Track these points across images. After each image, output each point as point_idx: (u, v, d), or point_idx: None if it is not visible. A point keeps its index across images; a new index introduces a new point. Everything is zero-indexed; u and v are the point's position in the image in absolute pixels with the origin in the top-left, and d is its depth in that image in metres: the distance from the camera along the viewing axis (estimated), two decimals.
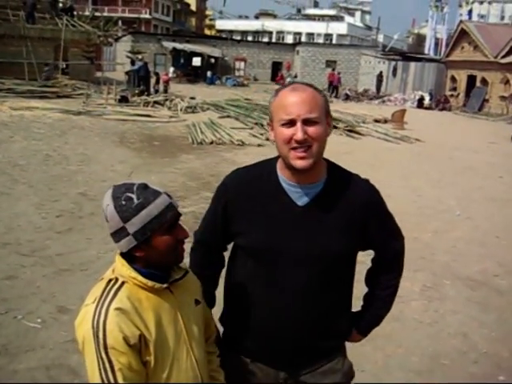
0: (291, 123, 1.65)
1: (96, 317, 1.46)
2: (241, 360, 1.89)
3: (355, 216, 1.78)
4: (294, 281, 1.76)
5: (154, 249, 1.53)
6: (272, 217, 1.77)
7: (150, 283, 1.53)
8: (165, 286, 1.56)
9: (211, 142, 13.15)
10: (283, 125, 1.67)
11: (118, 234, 1.52)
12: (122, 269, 1.55)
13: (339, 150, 11.34)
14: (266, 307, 1.80)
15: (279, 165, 1.79)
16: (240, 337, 1.90)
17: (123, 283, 1.53)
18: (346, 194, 1.79)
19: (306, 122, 1.65)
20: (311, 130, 1.65)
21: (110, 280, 1.55)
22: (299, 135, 1.63)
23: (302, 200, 1.75)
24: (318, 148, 1.68)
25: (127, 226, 1.49)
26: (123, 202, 1.49)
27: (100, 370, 1.44)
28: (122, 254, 1.57)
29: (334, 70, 37.66)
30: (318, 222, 1.76)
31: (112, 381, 1.44)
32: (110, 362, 1.44)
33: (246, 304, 1.86)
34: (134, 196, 1.49)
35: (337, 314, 1.88)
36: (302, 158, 1.66)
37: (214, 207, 1.91)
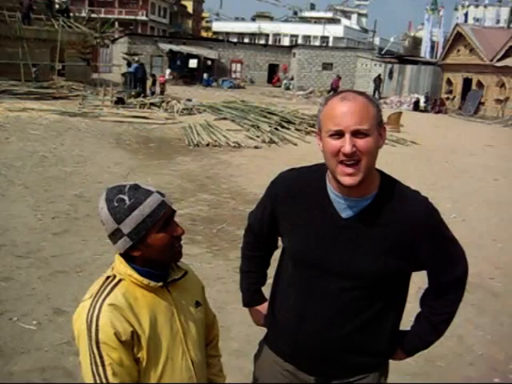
0: (339, 134, 1.57)
1: (90, 312, 1.49)
2: (275, 358, 1.89)
3: (404, 236, 1.66)
4: (327, 293, 1.72)
5: (150, 247, 1.55)
6: (314, 225, 1.73)
7: (145, 281, 1.55)
8: (160, 284, 1.58)
9: (207, 144, 13.15)
10: (331, 136, 1.59)
11: (114, 236, 1.54)
12: (119, 266, 1.58)
13: None
14: (300, 313, 1.78)
15: (329, 174, 1.72)
16: (275, 336, 1.91)
17: (120, 280, 1.56)
18: (397, 211, 1.67)
19: (356, 133, 1.56)
20: (361, 142, 1.56)
21: (108, 277, 1.57)
22: (347, 148, 1.55)
23: (346, 212, 1.69)
24: (367, 163, 1.58)
25: (121, 227, 1.52)
26: (116, 204, 1.52)
27: (91, 364, 1.47)
28: (122, 255, 1.59)
29: (339, 77, 37.42)
30: (359, 238, 1.67)
31: (102, 375, 1.46)
32: (100, 356, 1.46)
33: (283, 306, 1.86)
34: (125, 197, 1.52)
35: (375, 333, 1.77)
36: (349, 175, 1.58)
37: (264, 203, 1.92)
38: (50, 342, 3.78)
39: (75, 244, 5.75)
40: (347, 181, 1.59)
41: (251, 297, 2.07)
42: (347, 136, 1.56)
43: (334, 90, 34.65)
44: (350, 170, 1.57)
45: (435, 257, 1.72)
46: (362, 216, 1.67)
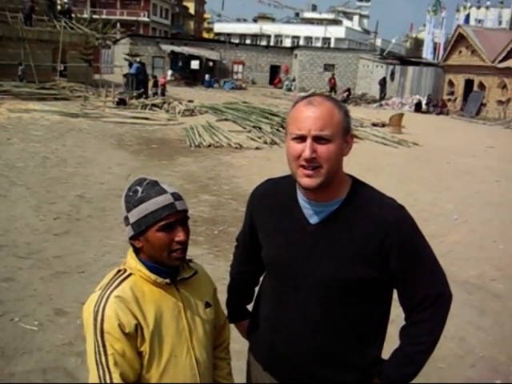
0: (302, 138, 1.56)
1: (98, 302, 1.54)
2: (256, 365, 1.89)
3: (372, 242, 1.59)
4: (294, 302, 1.69)
5: (148, 243, 1.59)
6: (284, 232, 1.71)
7: (153, 277, 1.60)
8: (166, 281, 1.61)
9: (209, 145, 13.17)
10: (294, 139, 1.58)
11: (125, 221, 1.62)
12: (130, 261, 1.64)
13: None
14: (273, 323, 1.77)
15: None
16: (255, 344, 1.91)
17: (130, 274, 1.61)
18: (365, 216, 1.62)
19: (317, 139, 1.55)
20: (322, 148, 1.55)
21: (119, 270, 1.64)
22: (307, 153, 1.54)
23: (314, 218, 1.66)
24: (328, 169, 1.56)
25: (129, 215, 1.60)
26: (130, 194, 1.61)
27: (95, 352, 1.52)
28: (133, 248, 1.65)
29: (349, 89, 37.44)
30: (326, 244, 1.63)
31: (104, 364, 1.50)
32: (104, 346, 1.51)
33: (261, 314, 1.86)
34: (140, 189, 1.59)
35: (351, 348, 1.68)
36: (308, 177, 1.57)
37: (245, 215, 1.93)
38: (51, 342, 3.79)
39: (77, 245, 5.75)
40: (306, 182, 1.58)
41: (236, 313, 2.06)
42: (308, 141, 1.55)
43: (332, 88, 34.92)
44: (309, 172, 1.57)
45: (404, 268, 1.62)
46: (330, 221, 1.64)
